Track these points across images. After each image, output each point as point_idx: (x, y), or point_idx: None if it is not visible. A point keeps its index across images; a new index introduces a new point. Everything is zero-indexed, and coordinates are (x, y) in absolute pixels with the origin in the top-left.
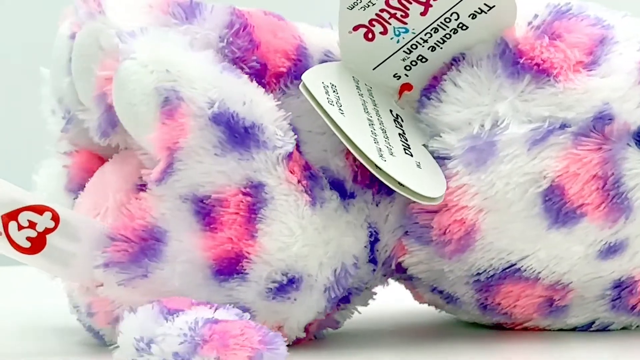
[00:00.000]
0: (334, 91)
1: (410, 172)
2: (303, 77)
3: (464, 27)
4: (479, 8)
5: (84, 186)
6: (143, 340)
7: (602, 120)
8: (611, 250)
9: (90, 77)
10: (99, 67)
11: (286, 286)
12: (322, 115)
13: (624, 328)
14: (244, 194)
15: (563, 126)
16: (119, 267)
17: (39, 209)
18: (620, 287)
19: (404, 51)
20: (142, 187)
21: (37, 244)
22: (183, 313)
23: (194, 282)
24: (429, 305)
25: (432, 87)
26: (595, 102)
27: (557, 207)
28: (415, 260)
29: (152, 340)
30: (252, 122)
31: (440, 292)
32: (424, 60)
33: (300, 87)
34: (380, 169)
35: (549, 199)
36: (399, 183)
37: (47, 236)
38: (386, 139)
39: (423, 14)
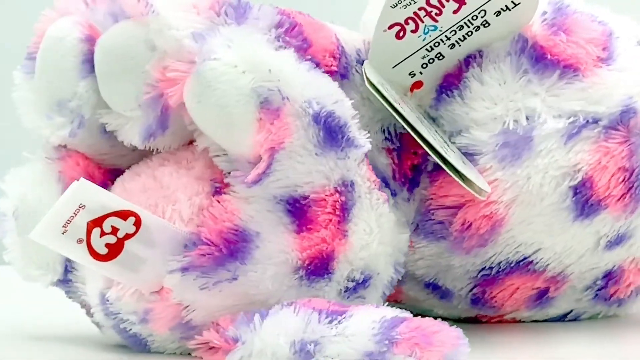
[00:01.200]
0: (386, 89)
1: (465, 166)
2: (368, 74)
3: (486, 25)
4: (505, 5)
5: None
6: (305, 344)
7: (627, 114)
8: (617, 241)
9: (133, 79)
10: (155, 69)
11: (360, 285)
12: (390, 111)
13: (590, 318)
14: (340, 193)
15: (595, 120)
16: (201, 271)
17: (125, 214)
18: (609, 277)
19: (426, 49)
20: (220, 189)
21: (114, 250)
22: (352, 314)
23: (286, 284)
24: (402, 302)
25: (450, 85)
26: (621, 96)
27: (585, 199)
28: (416, 257)
29: (317, 342)
30: (344, 121)
31: (437, 287)
32: (441, 57)
33: (367, 84)
34: (447, 162)
35: (579, 191)
36: (460, 176)
37: (126, 242)
38: (435, 133)
39: (455, 11)
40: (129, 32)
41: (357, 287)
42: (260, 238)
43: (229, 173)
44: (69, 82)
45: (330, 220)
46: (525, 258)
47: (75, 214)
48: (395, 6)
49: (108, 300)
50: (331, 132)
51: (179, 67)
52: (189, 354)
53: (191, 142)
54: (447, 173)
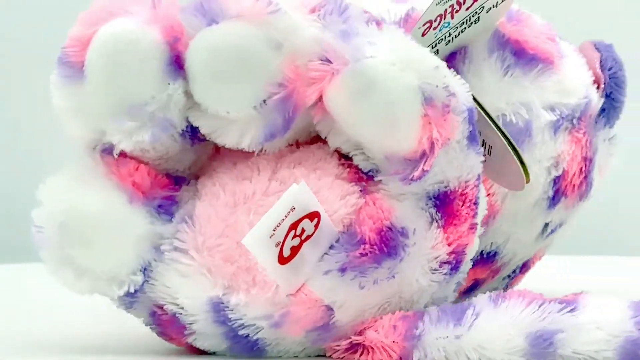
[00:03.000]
0: None
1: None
2: None
3: (477, 21)
4: (497, 2)
5: (153, 199)
6: (544, 337)
7: (587, 105)
8: (554, 230)
9: (253, 80)
10: (286, 68)
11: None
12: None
13: None
14: (476, 187)
15: (568, 111)
16: (360, 271)
17: (313, 215)
18: (525, 266)
19: (431, 46)
20: (365, 188)
21: (293, 253)
22: (585, 303)
23: (435, 280)
24: None
25: None
26: (582, 87)
27: (558, 189)
28: None
29: (554, 334)
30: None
31: None
32: (436, 54)
33: None
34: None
35: (557, 182)
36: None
37: (304, 244)
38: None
39: (468, 8)
40: (245, 31)
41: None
42: (415, 235)
43: (372, 171)
44: (148, 85)
45: (468, 214)
46: (496, 250)
47: (285, 217)
48: (439, 3)
49: (227, 307)
50: (474, 127)
51: (320, 67)
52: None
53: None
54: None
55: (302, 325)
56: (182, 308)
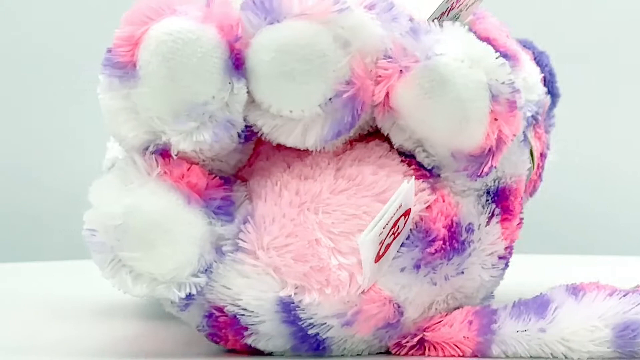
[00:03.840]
0: None
1: None
2: None
3: (458, 18)
4: None
5: (212, 200)
6: (631, 327)
7: (544, 101)
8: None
9: (322, 78)
10: (355, 66)
11: None
12: None
13: None
14: (524, 183)
15: (535, 107)
16: (432, 267)
17: (407, 213)
18: None
19: None
20: (432, 185)
21: (385, 251)
22: None
23: (494, 275)
24: None
25: None
26: (540, 84)
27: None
28: None
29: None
30: None
31: None
32: None
33: None
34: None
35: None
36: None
37: (394, 241)
38: None
39: (460, 5)
40: (311, 30)
41: None
42: (479, 230)
43: (435, 168)
44: (208, 85)
45: (518, 209)
46: None
47: (393, 215)
48: (447, 1)
49: (299, 307)
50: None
51: (389, 64)
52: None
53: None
54: None
55: (372, 323)
56: (245, 309)
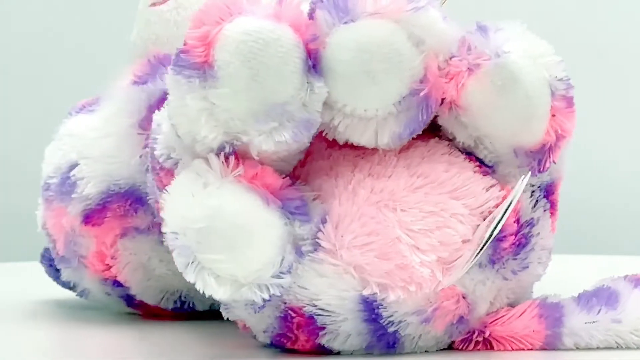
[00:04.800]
0: None
1: None
2: None
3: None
4: None
5: (289, 200)
6: None
7: None
8: None
9: (399, 77)
10: (429, 65)
11: None
12: None
13: None
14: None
15: None
16: (503, 262)
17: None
18: None
19: None
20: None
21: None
22: None
23: (545, 267)
24: None
25: None
26: None
27: None
28: None
29: None
30: None
31: None
32: None
33: None
34: None
35: None
36: None
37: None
38: None
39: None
40: (388, 29)
41: None
42: (538, 225)
43: (495, 164)
44: (288, 84)
45: (558, 204)
46: None
47: (505, 212)
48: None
49: (382, 305)
50: None
51: (460, 62)
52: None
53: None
54: None
55: (448, 319)
56: (323, 309)
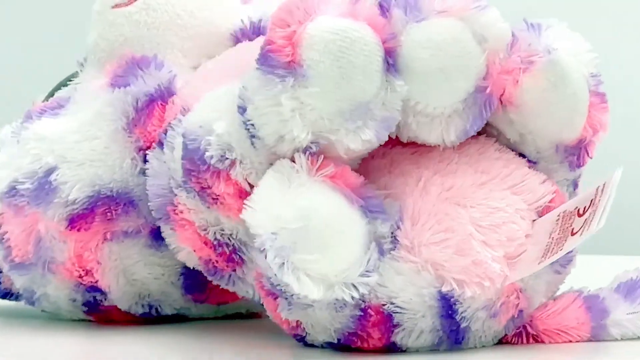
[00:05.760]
0: None
1: None
2: None
3: None
4: None
5: (369, 199)
6: None
7: None
8: None
9: (467, 75)
10: (491, 63)
11: None
12: None
13: None
14: None
15: None
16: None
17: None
18: None
19: None
20: None
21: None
22: None
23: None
24: None
25: None
26: None
27: None
28: None
29: None
30: None
31: None
32: None
33: None
34: None
35: None
36: None
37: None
38: None
39: None
40: (458, 27)
41: None
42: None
43: (538, 160)
44: (373, 83)
45: None
46: None
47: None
48: None
49: (458, 300)
50: None
51: (517, 59)
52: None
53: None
54: None
55: (510, 313)
56: (401, 307)
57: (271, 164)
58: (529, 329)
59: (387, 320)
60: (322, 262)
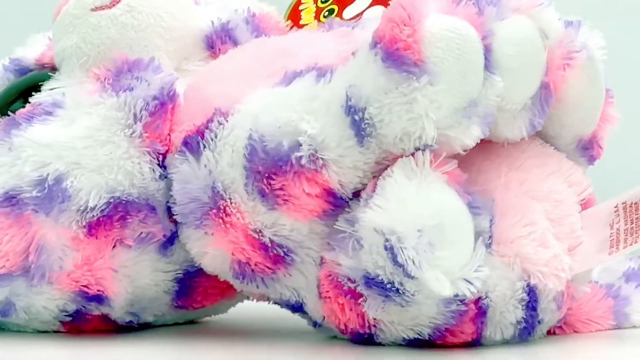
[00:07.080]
0: None
1: None
2: None
3: None
4: None
5: (470, 194)
6: None
7: None
8: None
9: (537, 71)
10: (551, 59)
11: None
12: None
13: None
14: None
15: None
16: None
17: None
18: None
19: None
20: None
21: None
22: None
23: None
24: None
25: None
26: None
27: None
28: None
29: None
30: None
31: None
32: None
33: None
34: None
35: None
36: None
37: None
38: None
39: None
40: (528, 26)
41: None
42: None
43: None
44: (480, 80)
45: None
46: None
47: None
48: None
49: (541, 293)
50: None
51: (566, 55)
52: None
53: None
54: None
55: (568, 304)
56: (494, 301)
57: (377, 163)
58: (562, 321)
59: (482, 315)
60: (450, 258)
